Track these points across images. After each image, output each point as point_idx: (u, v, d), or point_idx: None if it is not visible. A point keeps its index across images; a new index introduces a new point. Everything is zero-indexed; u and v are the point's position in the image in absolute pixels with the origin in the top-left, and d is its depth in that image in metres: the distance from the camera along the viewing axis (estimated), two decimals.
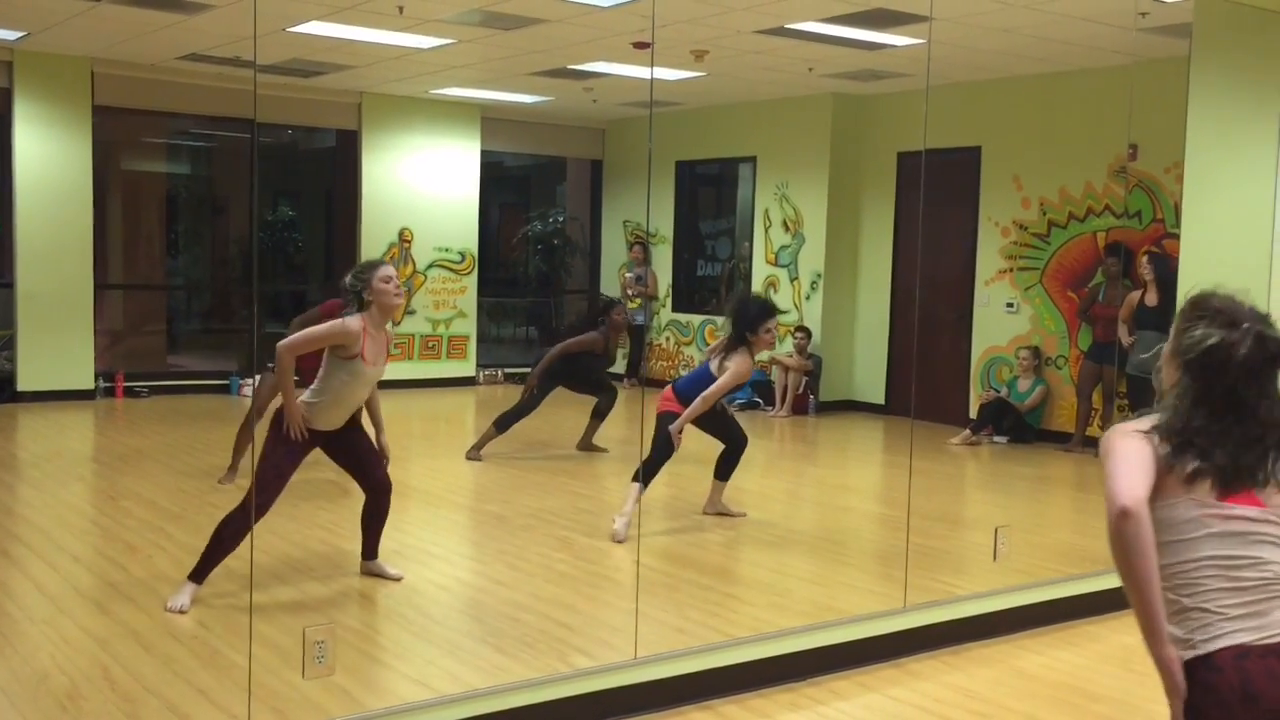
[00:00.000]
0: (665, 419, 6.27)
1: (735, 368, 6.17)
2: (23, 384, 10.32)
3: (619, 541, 5.93)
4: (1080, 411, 9.13)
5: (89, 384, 10.60)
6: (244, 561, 5.26)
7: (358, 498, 6.10)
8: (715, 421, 6.52)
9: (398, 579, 5.20)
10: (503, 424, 8.15)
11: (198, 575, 4.76)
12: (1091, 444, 9.02)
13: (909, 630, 4.60)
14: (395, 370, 12.71)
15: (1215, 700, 2.18)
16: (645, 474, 6.06)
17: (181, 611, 4.63)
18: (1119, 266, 8.92)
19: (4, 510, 6.41)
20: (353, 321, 4.83)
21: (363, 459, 5.18)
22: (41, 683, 3.91)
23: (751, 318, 6.25)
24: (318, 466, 7.81)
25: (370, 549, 5.27)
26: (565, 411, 11.20)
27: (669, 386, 6.48)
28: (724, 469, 6.61)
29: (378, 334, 4.94)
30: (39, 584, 5.05)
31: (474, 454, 8.10)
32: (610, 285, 13.57)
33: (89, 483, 7.58)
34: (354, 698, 3.82)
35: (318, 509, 6.61)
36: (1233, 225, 5.81)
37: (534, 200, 15.75)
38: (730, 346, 6.26)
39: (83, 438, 9.29)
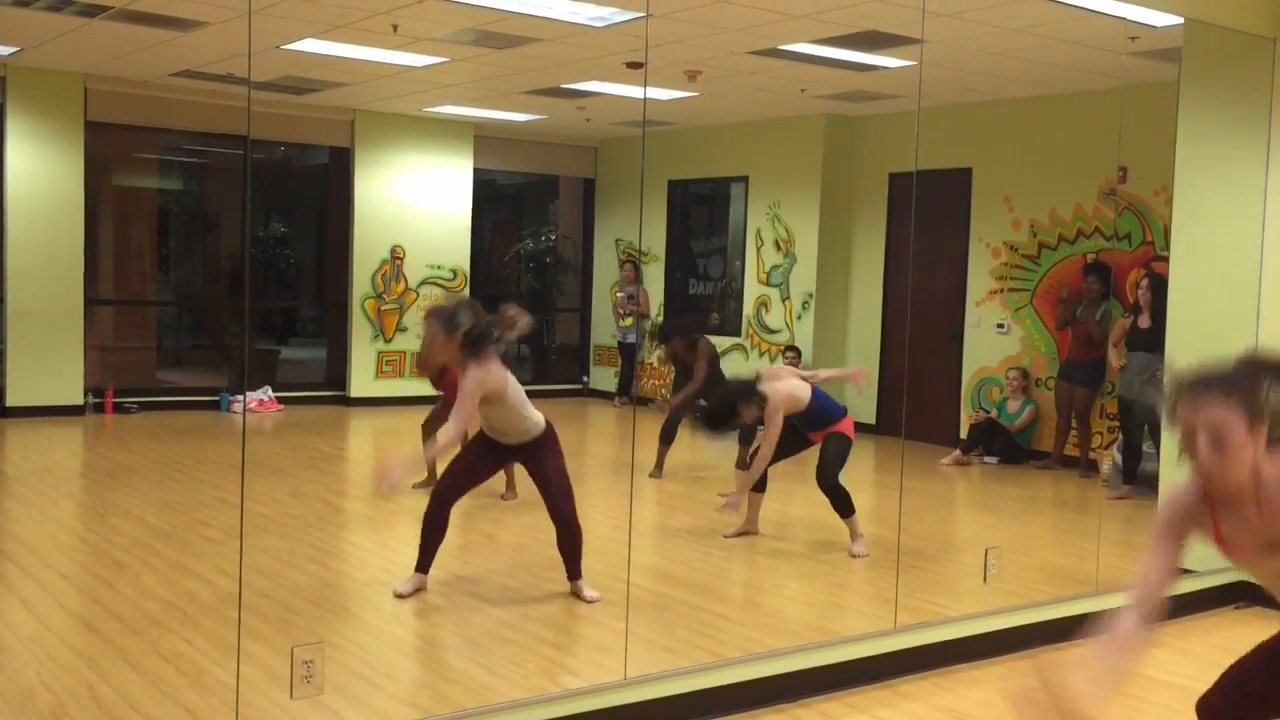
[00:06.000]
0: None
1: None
2: (11, 399, 10.28)
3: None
4: (1059, 430, 9.16)
5: (78, 400, 10.57)
6: (232, 579, 5.26)
7: (349, 515, 6.11)
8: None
9: (594, 600, 5.24)
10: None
11: (422, 565, 5.20)
12: (1070, 463, 9.05)
13: (899, 651, 4.60)
14: (386, 387, 12.78)
15: None
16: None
17: (402, 597, 5.12)
18: (1100, 287, 8.97)
19: None
20: (496, 372, 5.01)
21: (544, 485, 5.29)
22: (28, 700, 3.89)
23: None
24: (313, 485, 7.79)
25: (570, 570, 5.33)
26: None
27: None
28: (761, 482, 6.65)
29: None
30: (26, 601, 5.03)
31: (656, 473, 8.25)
32: (602, 303, 13.59)
33: (77, 499, 7.55)
34: (342, 718, 3.80)
35: (308, 527, 6.59)
36: (1222, 247, 5.84)
37: (526, 218, 15.76)
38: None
39: (71, 454, 9.26)
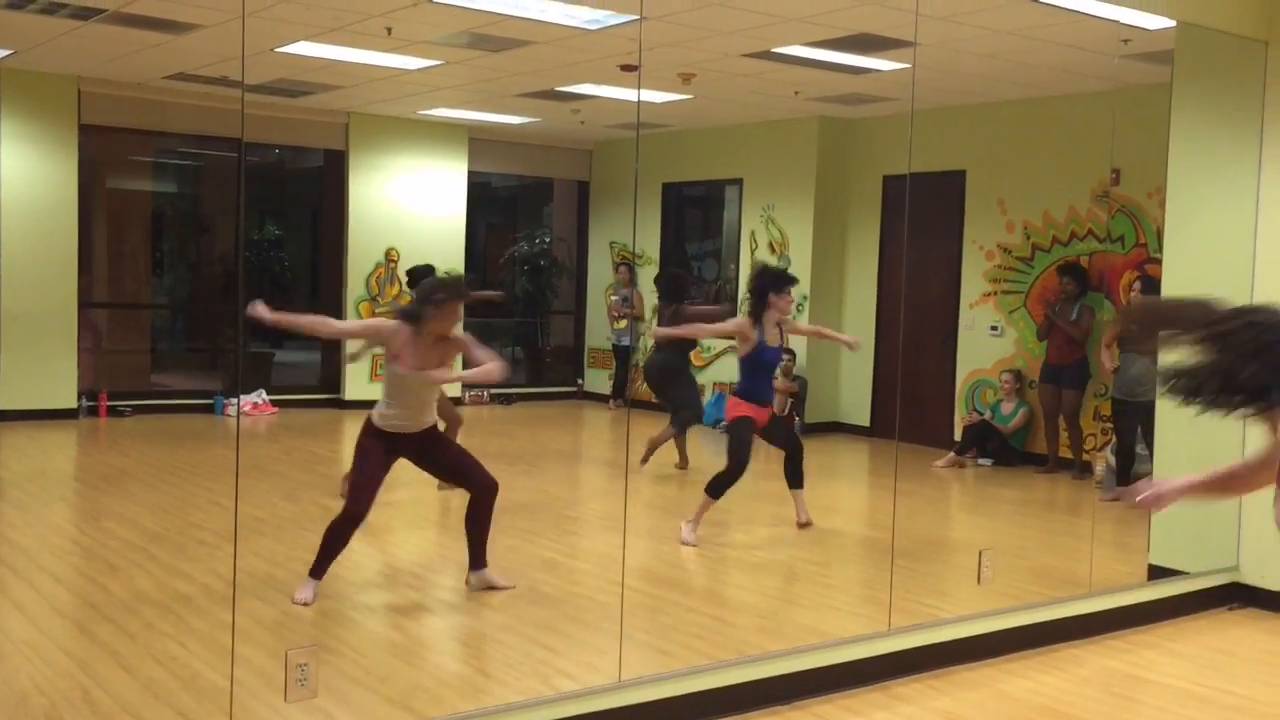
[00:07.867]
0: (740, 423, 6.53)
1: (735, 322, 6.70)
2: (5, 403, 10.25)
3: (688, 544, 6.31)
4: (1049, 433, 9.18)
5: (72, 403, 10.55)
6: (226, 582, 5.25)
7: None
8: (775, 429, 6.79)
9: (509, 588, 5.34)
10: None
11: (317, 571, 5.05)
12: (1066, 465, 9.07)
13: (893, 653, 4.60)
14: (381, 390, 12.70)
15: None
16: (719, 486, 6.42)
17: (305, 604, 4.94)
18: (1074, 287, 8.99)
19: None
20: (388, 323, 5.15)
21: (454, 463, 5.41)
22: (21, 704, 3.88)
23: (760, 286, 6.75)
24: (307, 488, 7.79)
25: (477, 558, 5.34)
26: (544, 428, 11.20)
27: (732, 396, 6.78)
28: (793, 476, 6.84)
29: (419, 343, 5.07)
30: (19, 604, 5.02)
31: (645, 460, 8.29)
32: (597, 306, 13.59)
33: (71, 502, 7.53)
34: None
35: (302, 530, 6.58)
36: (1214, 249, 5.85)
37: (521, 221, 15.77)
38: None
39: (65, 457, 9.24)
